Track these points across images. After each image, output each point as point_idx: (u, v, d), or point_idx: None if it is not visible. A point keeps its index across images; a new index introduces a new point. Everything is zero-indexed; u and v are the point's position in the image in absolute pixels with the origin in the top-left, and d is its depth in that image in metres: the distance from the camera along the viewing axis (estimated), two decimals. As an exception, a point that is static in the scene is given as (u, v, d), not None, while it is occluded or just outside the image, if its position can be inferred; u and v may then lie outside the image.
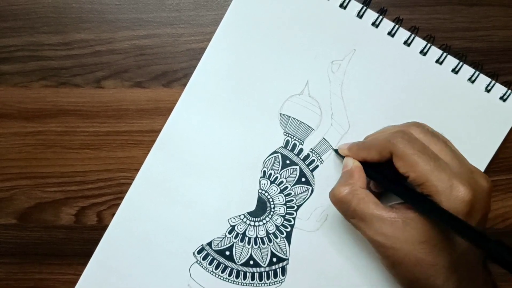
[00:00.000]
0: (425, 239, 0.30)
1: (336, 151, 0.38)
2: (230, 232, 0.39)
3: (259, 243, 0.39)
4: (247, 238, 0.39)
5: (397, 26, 0.39)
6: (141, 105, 0.39)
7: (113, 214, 0.39)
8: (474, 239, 0.27)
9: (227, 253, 0.39)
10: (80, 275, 0.39)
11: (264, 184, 0.39)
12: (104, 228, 0.39)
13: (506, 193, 0.39)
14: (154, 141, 0.39)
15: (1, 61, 0.39)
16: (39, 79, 0.39)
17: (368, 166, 0.35)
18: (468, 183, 0.30)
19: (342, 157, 0.37)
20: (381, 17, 0.39)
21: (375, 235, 0.31)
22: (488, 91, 0.38)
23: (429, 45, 0.38)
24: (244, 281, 0.39)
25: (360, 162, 0.35)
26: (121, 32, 0.39)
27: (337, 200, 0.34)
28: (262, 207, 0.39)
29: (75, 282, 0.39)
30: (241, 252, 0.39)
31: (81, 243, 0.40)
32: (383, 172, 0.34)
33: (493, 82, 0.38)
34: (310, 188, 0.39)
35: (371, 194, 0.33)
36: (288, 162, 0.39)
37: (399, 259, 0.31)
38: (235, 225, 0.39)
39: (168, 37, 0.39)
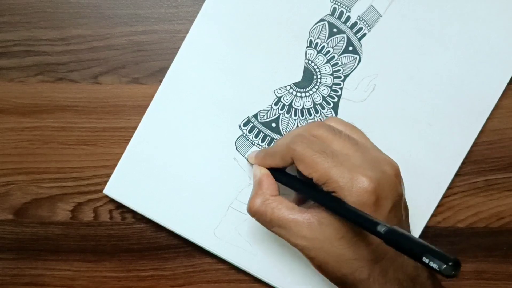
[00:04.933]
0: (341, 235, 0.30)
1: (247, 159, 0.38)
2: (276, 104, 0.38)
3: (306, 114, 0.38)
4: (293, 109, 0.38)
5: None
6: (138, 101, 0.39)
7: (110, 211, 0.39)
8: (368, 227, 0.26)
9: (273, 125, 0.38)
10: (76, 271, 0.39)
11: (311, 54, 0.38)
12: (100, 224, 0.39)
13: (501, 192, 0.40)
14: (151, 137, 0.39)
15: (-2, 55, 0.39)
16: (36, 74, 0.39)
17: (278, 171, 0.34)
18: (371, 172, 0.30)
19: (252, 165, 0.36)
20: None
21: (296, 240, 0.31)
22: None
23: None
24: None
25: (270, 168, 0.35)
26: (119, 28, 0.39)
27: (253, 213, 0.33)
28: (308, 78, 0.38)
29: (71, 278, 0.39)
30: (288, 124, 0.38)
31: (77, 239, 0.40)
32: (292, 176, 0.34)
33: None
34: (358, 57, 0.38)
35: (284, 199, 0.32)
36: (335, 30, 0.38)
37: (324, 259, 0.31)
38: (281, 96, 0.38)
39: (166, 33, 0.39)
